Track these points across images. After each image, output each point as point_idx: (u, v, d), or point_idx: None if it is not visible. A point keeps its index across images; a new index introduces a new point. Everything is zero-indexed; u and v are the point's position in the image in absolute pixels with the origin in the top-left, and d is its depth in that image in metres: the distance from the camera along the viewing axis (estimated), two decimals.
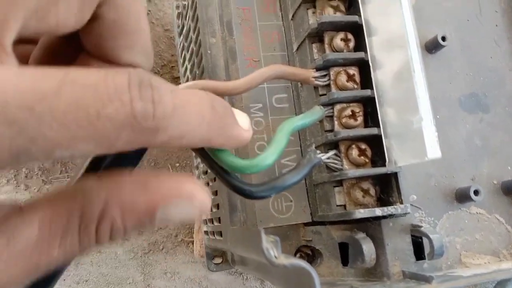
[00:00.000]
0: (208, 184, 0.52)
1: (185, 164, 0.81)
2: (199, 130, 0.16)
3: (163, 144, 0.16)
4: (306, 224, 0.40)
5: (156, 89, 0.14)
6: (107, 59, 0.18)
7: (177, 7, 0.61)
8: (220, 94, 0.36)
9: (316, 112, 0.36)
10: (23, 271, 0.15)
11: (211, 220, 0.52)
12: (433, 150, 0.30)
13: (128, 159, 0.21)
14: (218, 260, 0.61)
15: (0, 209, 0.15)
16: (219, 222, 0.47)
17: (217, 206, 0.48)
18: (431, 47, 0.40)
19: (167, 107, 0.14)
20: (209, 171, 0.52)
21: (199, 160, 0.61)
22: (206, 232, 0.58)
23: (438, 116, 0.39)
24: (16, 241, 0.14)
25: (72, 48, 0.19)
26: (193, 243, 0.74)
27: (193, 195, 0.17)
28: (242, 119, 0.19)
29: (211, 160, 0.25)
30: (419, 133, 0.30)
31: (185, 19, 0.56)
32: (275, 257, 0.26)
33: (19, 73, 0.13)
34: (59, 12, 0.15)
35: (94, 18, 0.17)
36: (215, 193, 0.47)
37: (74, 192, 0.16)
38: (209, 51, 0.42)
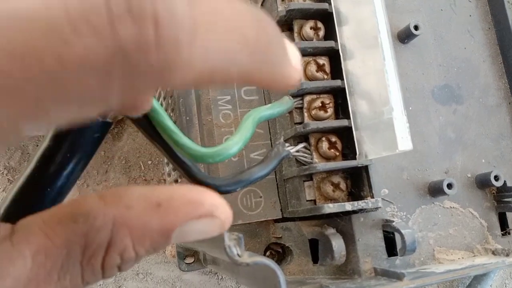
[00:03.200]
0: (177, 181, 0.50)
1: (158, 162, 0.78)
2: (239, 60, 0.11)
3: (186, 86, 0.11)
4: (276, 221, 0.39)
5: None
6: None
7: None
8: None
9: (285, 103, 0.34)
10: None
11: None
12: (404, 142, 0.29)
13: (84, 144, 0.19)
14: (189, 260, 0.59)
15: None
16: None
17: None
18: (404, 36, 0.38)
19: (182, 26, 0.09)
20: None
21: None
22: None
23: (410, 108, 0.38)
24: (5, 277, 0.12)
25: None
26: None
27: (214, 212, 0.14)
28: (293, 53, 0.14)
29: (172, 152, 0.24)
30: (390, 124, 0.29)
31: None
32: (238, 255, 0.25)
33: None
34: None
35: None
36: None
37: (74, 215, 0.13)
38: None
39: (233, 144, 0.27)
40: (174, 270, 0.75)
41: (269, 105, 0.34)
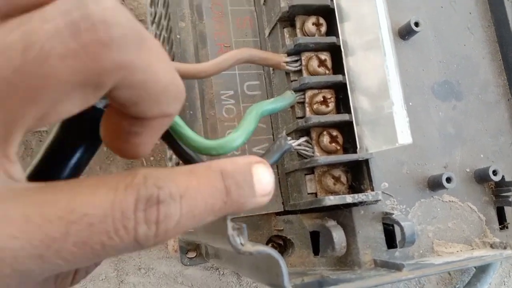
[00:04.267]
0: None
1: (160, 158, 0.79)
2: (210, 218, 0.17)
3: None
4: (277, 214, 0.39)
5: (163, 204, 0.14)
6: (135, 116, 0.16)
7: None
8: (190, 76, 0.34)
9: (287, 97, 0.35)
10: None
11: None
12: (404, 136, 0.29)
13: (94, 122, 0.20)
14: (192, 254, 0.59)
15: None
16: None
17: None
18: (404, 32, 0.39)
19: (170, 224, 0.15)
20: (181, 162, 0.50)
21: (172, 152, 0.59)
22: None
23: (410, 103, 0.39)
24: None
25: None
26: None
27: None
28: (264, 181, 0.18)
29: (178, 147, 0.24)
30: (390, 118, 0.29)
31: (157, 6, 0.54)
32: (241, 244, 0.25)
33: (26, 218, 0.13)
34: (62, 110, 0.14)
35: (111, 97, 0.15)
36: None
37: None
38: (178, 36, 0.41)
39: (237, 137, 0.28)
40: (176, 265, 0.75)
41: (272, 99, 0.34)
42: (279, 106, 0.34)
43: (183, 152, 0.24)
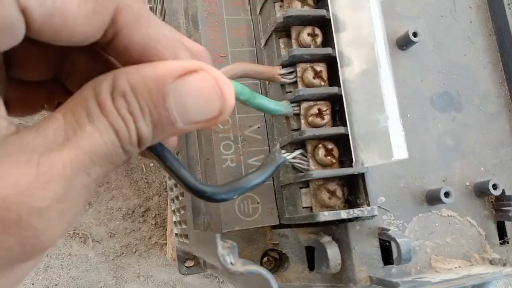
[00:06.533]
0: (176, 185, 0.50)
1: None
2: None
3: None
4: (273, 227, 0.39)
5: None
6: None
7: (149, 1, 0.59)
8: None
9: (282, 104, 0.34)
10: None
11: (180, 223, 0.50)
12: (400, 150, 0.28)
13: None
14: (190, 263, 0.59)
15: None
16: (186, 225, 0.45)
17: (185, 208, 0.46)
18: (402, 43, 0.38)
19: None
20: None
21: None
22: (176, 235, 0.56)
23: (408, 115, 0.38)
24: (45, 134, 0.15)
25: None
26: (166, 246, 0.72)
27: (203, 68, 0.17)
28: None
29: (166, 161, 0.23)
30: (385, 133, 0.29)
31: (155, 14, 0.54)
32: (232, 263, 0.25)
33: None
34: (73, 9, 0.15)
35: (114, 33, 0.17)
36: (182, 194, 0.46)
37: (83, 87, 0.16)
38: None
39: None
40: (175, 273, 0.75)
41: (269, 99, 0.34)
42: (268, 105, 0.33)
43: (174, 169, 0.24)
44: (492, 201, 0.38)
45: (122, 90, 0.16)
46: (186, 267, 0.59)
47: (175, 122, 0.17)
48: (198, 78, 0.17)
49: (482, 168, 0.39)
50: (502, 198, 0.37)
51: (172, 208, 0.57)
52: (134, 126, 0.16)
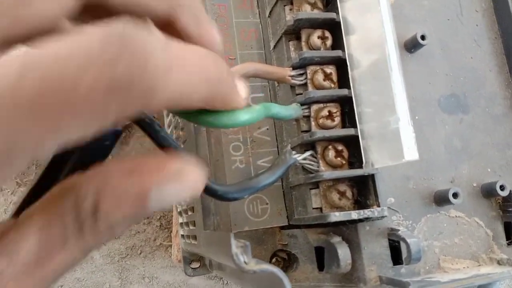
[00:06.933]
0: None
1: None
2: (199, 90, 0.15)
3: (163, 107, 0.15)
4: (282, 228, 0.39)
5: (142, 47, 0.13)
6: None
7: None
8: None
9: (293, 109, 0.35)
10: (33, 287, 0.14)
11: (187, 224, 0.51)
12: (411, 152, 0.29)
13: (96, 151, 0.20)
14: (195, 265, 0.59)
15: None
16: (194, 226, 0.46)
17: (192, 209, 0.46)
18: (410, 46, 0.39)
19: (157, 68, 0.13)
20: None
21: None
22: (182, 236, 0.57)
23: (417, 117, 0.38)
24: (17, 259, 0.14)
25: None
26: (172, 247, 0.72)
27: (181, 175, 0.16)
28: (241, 86, 0.19)
29: (152, 132, 0.23)
30: (396, 134, 0.29)
31: None
32: (245, 262, 0.25)
33: None
34: None
35: None
36: None
37: (64, 191, 0.15)
38: None
39: (242, 113, 0.26)
40: (180, 275, 0.75)
41: (279, 105, 0.34)
42: (283, 113, 0.33)
43: (158, 137, 0.23)
44: (499, 202, 0.38)
45: (106, 212, 0.15)
46: (192, 268, 0.59)
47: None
48: (177, 185, 0.16)
49: (489, 169, 0.39)
50: (509, 199, 0.37)
51: (178, 210, 0.58)
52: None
